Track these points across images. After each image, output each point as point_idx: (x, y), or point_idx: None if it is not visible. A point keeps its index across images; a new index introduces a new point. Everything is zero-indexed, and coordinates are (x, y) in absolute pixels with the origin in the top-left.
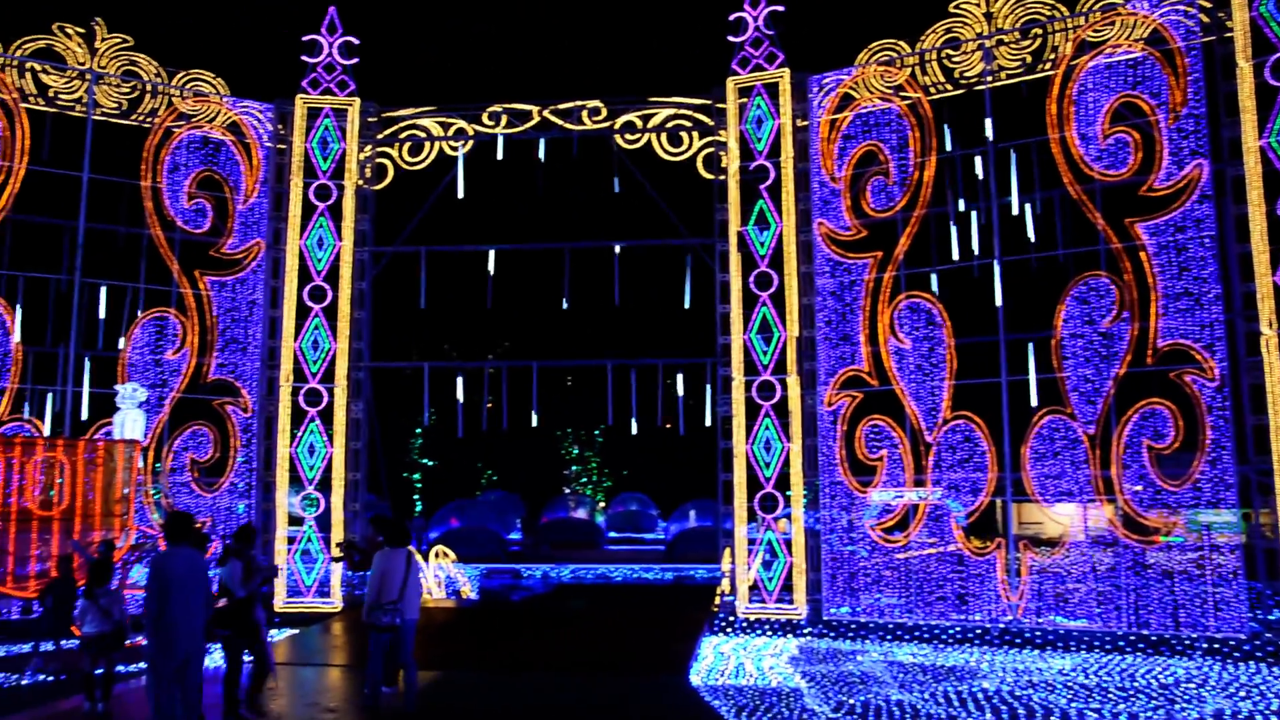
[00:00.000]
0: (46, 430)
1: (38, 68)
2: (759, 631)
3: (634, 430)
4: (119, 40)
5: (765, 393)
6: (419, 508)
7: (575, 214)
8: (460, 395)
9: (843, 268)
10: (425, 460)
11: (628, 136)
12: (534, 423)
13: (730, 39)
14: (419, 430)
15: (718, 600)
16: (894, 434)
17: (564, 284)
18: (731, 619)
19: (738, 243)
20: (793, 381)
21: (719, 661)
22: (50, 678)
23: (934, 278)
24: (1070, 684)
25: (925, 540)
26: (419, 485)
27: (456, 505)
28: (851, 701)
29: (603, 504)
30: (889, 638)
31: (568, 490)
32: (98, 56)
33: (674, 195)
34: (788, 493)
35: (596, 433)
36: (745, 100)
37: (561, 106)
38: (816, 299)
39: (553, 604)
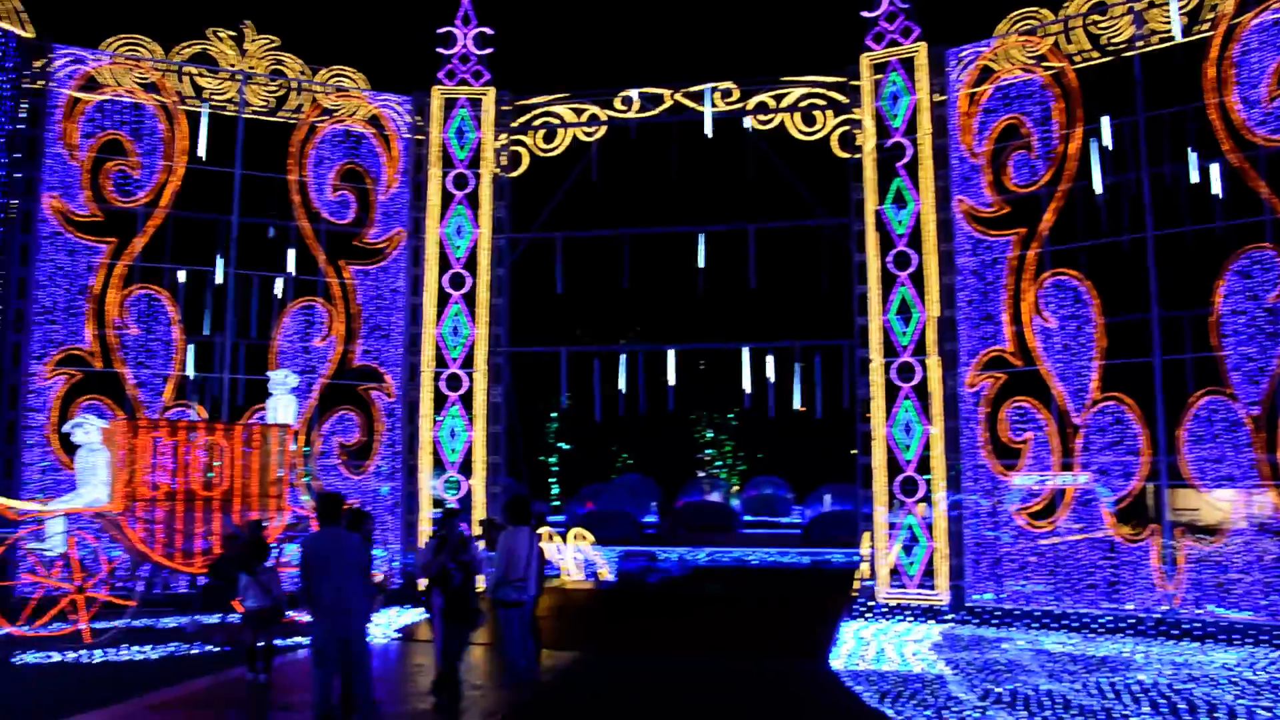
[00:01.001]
0: (206, 415)
1: (193, 71)
2: (900, 617)
3: (771, 414)
4: (266, 41)
5: (905, 374)
6: (555, 491)
7: (708, 197)
8: (597, 379)
9: (984, 245)
10: (561, 444)
11: (760, 117)
12: (670, 406)
13: (864, 14)
14: (554, 414)
15: (857, 585)
16: (1039, 416)
17: (698, 267)
18: (871, 604)
19: (875, 222)
20: (933, 363)
21: (859, 646)
22: (216, 648)
23: (1081, 254)
24: (1236, 679)
25: (1073, 526)
26: (555, 469)
27: (592, 489)
28: (999, 690)
29: (737, 488)
30: (1035, 625)
31: (702, 474)
32: (247, 58)
33: (808, 175)
34: (928, 476)
35: (730, 416)
36: (880, 76)
37: (693, 89)
38: (957, 278)
39: (689, 587)
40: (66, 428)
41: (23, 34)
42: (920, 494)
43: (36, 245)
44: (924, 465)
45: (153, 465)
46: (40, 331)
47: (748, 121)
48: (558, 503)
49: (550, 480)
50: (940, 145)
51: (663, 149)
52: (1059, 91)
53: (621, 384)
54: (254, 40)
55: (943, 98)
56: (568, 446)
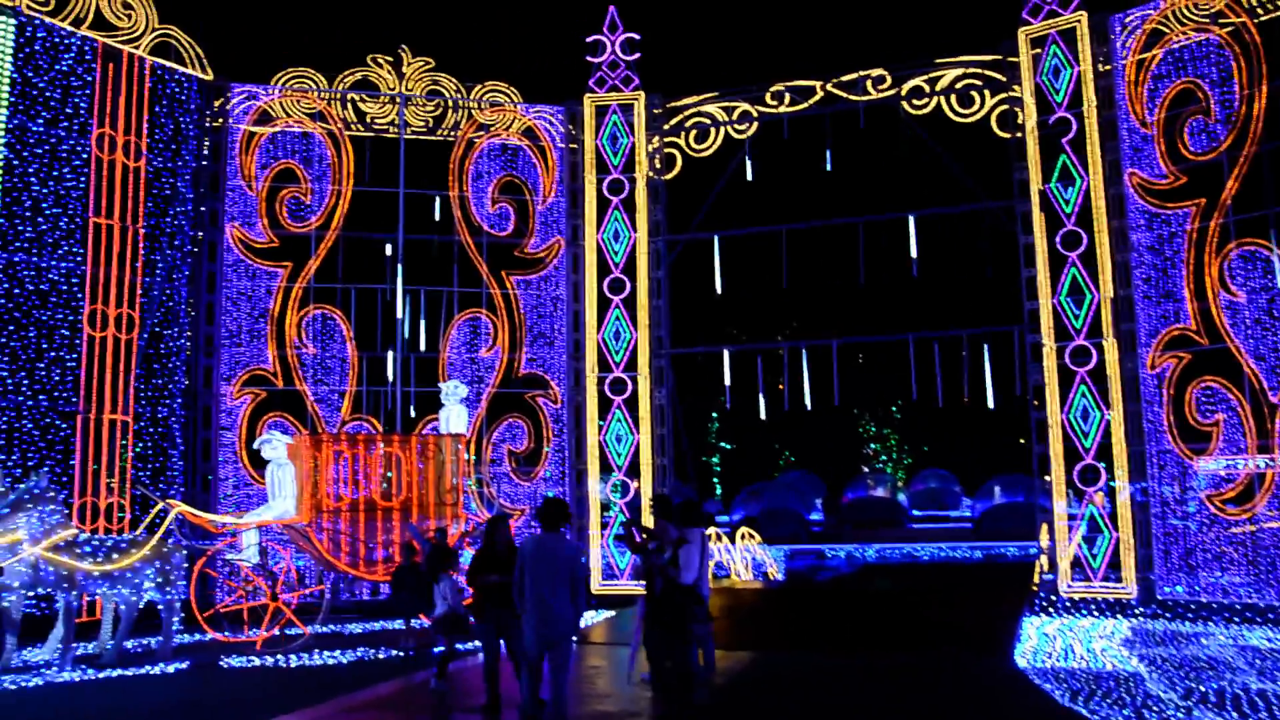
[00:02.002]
0: (381, 428)
1: (356, 98)
2: (1084, 611)
3: (940, 404)
4: (422, 63)
5: (1079, 358)
6: (718, 491)
7: (865, 186)
8: (761, 377)
9: (1160, 219)
10: (723, 443)
11: (915, 102)
12: (836, 401)
13: None
14: (715, 414)
15: (1036, 578)
16: (1230, 396)
17: (859, 259)
18: (1053, 598)
19: (1040, 202)
20: (1109, 345)
21: (1044, 643)
22: (403, 653)
23: (1271, 222)
24: None
25: (1272, 513)
26: (717, 468)
27: (756, 487)
28: (1202, 689)
29: (903, 481)
30: (1236, 620)
31: (866, 469)
32: (405, 81)
33: (968, 158)
34: (1109, 464)
35: (894, 409)
36: (1039, 51)
37: (845, 78)
38: (1132, 255)
39: (859, 584)
40: (255, 444)
41: (203, 77)
42: (1101, 482)
43: (221, 272)
44: (1103, 452)
45: (335, 478)
46: (227, 354)
47: (902, 107)
48: (721, 503)
49: (713, 480)
50: (1107, 118)
51: (816, 141)
52: (1238, 49)
53: (784, 381)
54: (410, 63)
55: (1108, 67)
56: (729, 446)
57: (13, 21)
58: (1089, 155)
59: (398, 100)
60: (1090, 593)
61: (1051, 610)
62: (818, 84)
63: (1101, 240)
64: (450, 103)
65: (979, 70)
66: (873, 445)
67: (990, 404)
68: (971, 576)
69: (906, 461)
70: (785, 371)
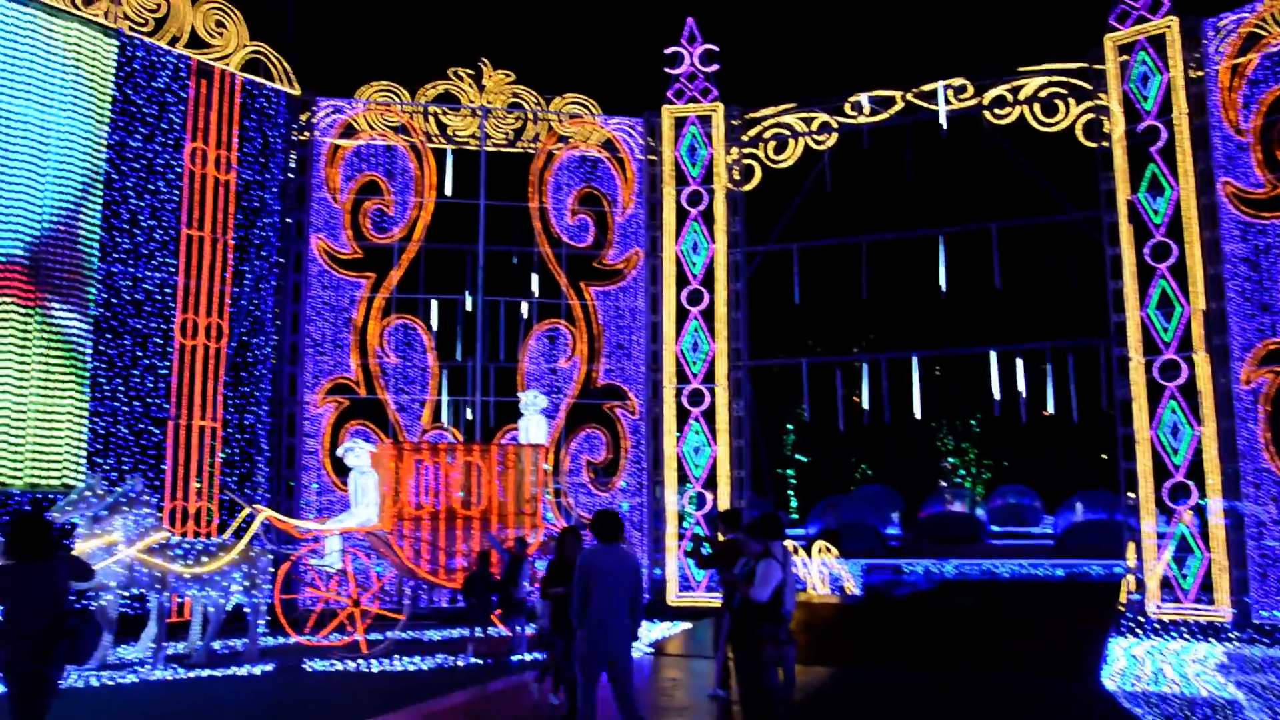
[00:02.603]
0: (461, 437)
1: (438, 111)
2: (1174, 634)
3: (1023, 419)
4: (503, 76)
5: (1169, 373)
6: (794, 503)
7: (947, 197)
8: (840, 390)
9: (1256, 230)
10: (799, 456)
11: (997, 111)
12: (917, 414)
13: None
14: (790, 426)
15: (1123, 598)
16: None
17: (939, 270)
18: (1140, 619)
19: (1128, 213)
20: (1201, 359)
21: (1133, 665)
22: (480, 661)
23: None
24: None
25: None
26: (793, 481)
27: (832, 500)
28: None
29: (982, 496)
30: None
31: (944, 483)
32: (486, 93)
33: (1052, 168)
34: (1199, 482)
35: (973, 422)
36: (1127, 58)
37: (925, 88)
38: (1225, 267)
39: (938, 600)
40: (339, 452)
41: (291, 92)
42: (1191, 500)
43: (306, 283)
44: (1194, 470)
45: (416, 486)
46: (311, 362)
47: (984, 117)
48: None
49: (789, 493)
50: (1199, 125)
51: (897, 152)
52: None
53: (863, 394)
54: (491, 76)
55: (1200, 73)
56: (805, 458)
57: (115, 42)
58: (1179, 164)
59: (479, 113)
60: (1181, 614)
61: (1140, 632)
62: (898, 94)
63: (1192, 251)
64: (530, 115)
65: (1063, 79)
66: (951, 459)
67: (1075, 419)
68: (1054, 595)
69: (985, 476)
70: (864, 384)
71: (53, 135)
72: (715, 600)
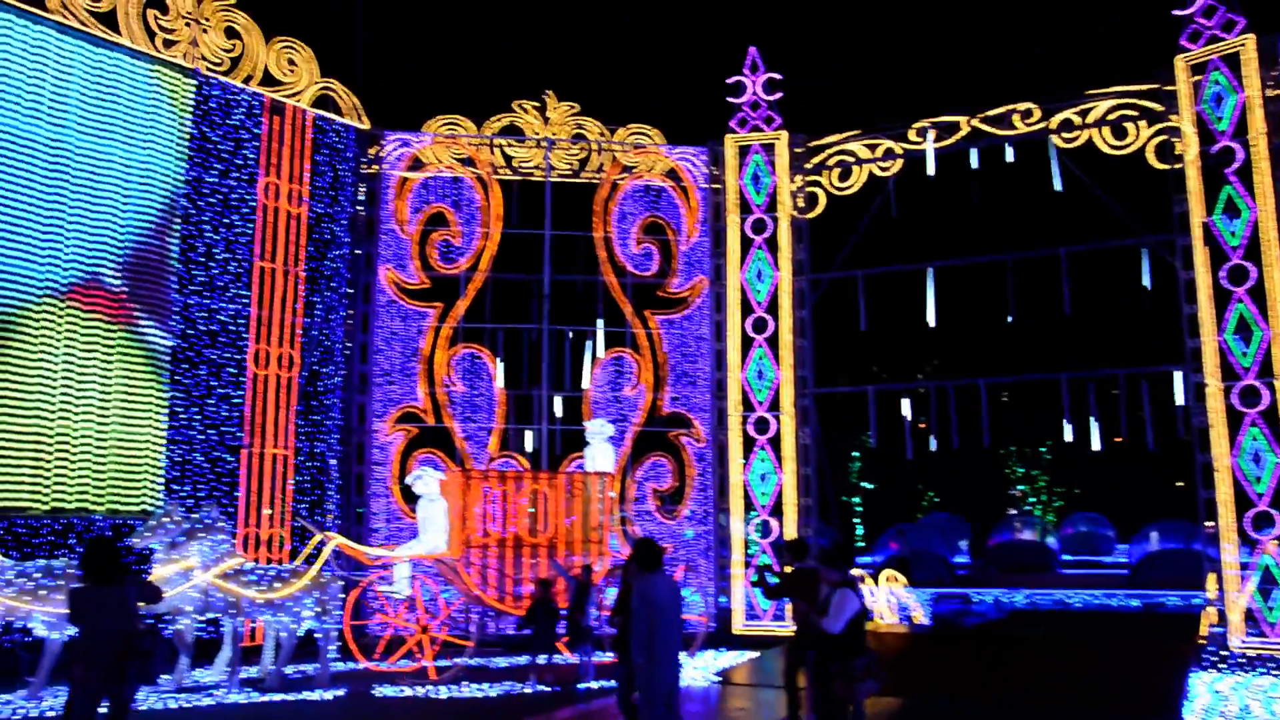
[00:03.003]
0: (527, 465)
1: (503, 142)
2: (1261, 669)
3: (1096, 446)
4: (567, 108)
5: (1249, 399)
6: (860, 531)
7: (1014, 222)
8: (907, 417)
9: None
10: (864, 483)
11: (1065, 135)
12: (985, 442)
13: (1176, 13)
14: (855, 454)
15: (1203, 631)
16: None
17: (1008, 296)
18: (1224, 654)
19: (1203, 235)
20: None
21: (1216, 702)
22: (547, 688)
23: None
24: None
25: None
26: (859, 509)
27: (898, 528)
28: None
29: (1053, 525)
30: None
31: (1014, 511)
32: (550, 125)
33: (1121, 191)
34: None
35: (1043, 449)
36: (1199, 78)
37: (991, 113)
38: None
39: (1008, 630)
40: (408, 480)
41: (360, 126)
42: (1276, 530)
43: (375, 313)
44: (1278, 498)
45: (483, 513)
46: (380, 391)
47: (1052, 141)
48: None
49: (855, 521)
50: (1277, 144)
51: (962, 177)
52: None
53: (931, 420)
54: (555, 108)
55: (1277, 92)
56: (871, 486)
57: (193, 82)
58: (1257, 185)
59: (544, 144)
60: (1267, 649)
61: (1222, 666)
62: (963, 119)
63: (1272, 274)
64: (594, 145)
65: (1133, 101)
66: (1020, 487)
67: (1150, 446)
68: (1129, 626)
69: (1056, 504)
70: (932, 411)
71: (135, 171)
72: (782, 629)
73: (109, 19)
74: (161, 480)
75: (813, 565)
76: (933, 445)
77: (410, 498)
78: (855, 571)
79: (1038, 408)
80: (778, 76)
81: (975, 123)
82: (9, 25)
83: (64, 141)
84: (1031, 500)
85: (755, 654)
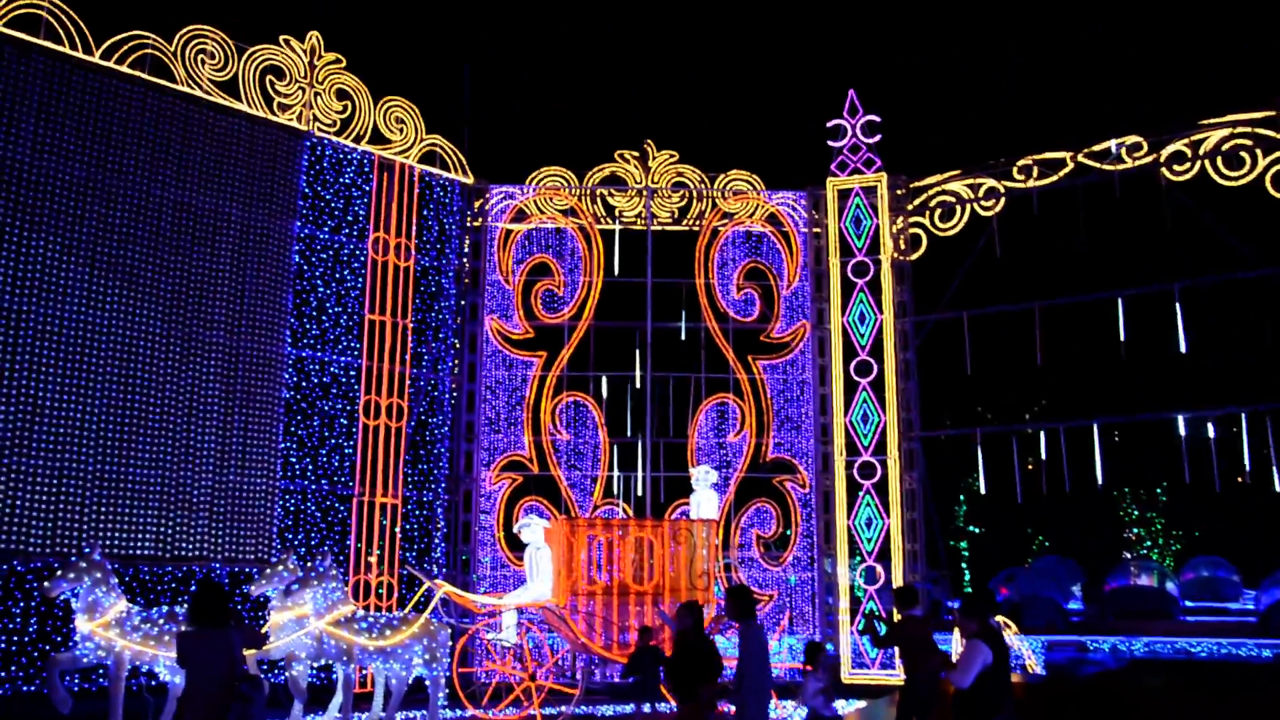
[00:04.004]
0: (631, 512)
1: (604, 193)
2: None
3: (1215, 487)
4: (666, 157)
5: None
6: (967, 576)
7: (1123, 258)
8: (1016, 459)
9: None
10: (971, 527)
11: (1175, 168)
12: (1100, 483)
13: None
14: (962, 498)
15: None
16: None
17: (1118, 334)
18: None
19: None
20: None
21: None
22: None
23: None
24: None
25: None
26: (965, 554)
27: (1007, 573)
28: None
29: (1172, 569)
30: None
31: (1128, 555)
32: (650, 174)
33: (1236, 222)
34: None
35: (1158, 490)
36: None
37: (1096, 148)
38: None
39: (1128, 680)
40: (515, 528)
41: (465, 180)
42: None
43: (481, 363)
44: None
45: (589, 561)
46: (486, 440)
47: (1161, 174)
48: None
49: (962, 565)
50: None
51: (1068, 214)
52: None
53: (1042, 462)
54: (655, 157)
55: None
56: (977, 530)
57: (306, 143)
58: None
59: (644, 193)
60: None
61: None
62: (1067, 155)
63: None
64: (694, 193)
65: (1248, 129)
66: (1135, 530)
67: (1278, 486)
68: (1258, 677)
69: (1174, 548)
70: (1043, 452)
71: (251, 231)
72: (891, 677)
73: (230, 87)
74: (276, 529)
75: (920, 613)
76: (1044, 487)
77: (515, 545)
78: (1000, 619)
79: (1152, 448)
80: (876, 119)
81: (1080, 158)
82: (141, 98)
83: (188, 203)
84: (1147, 544)
85: (863, 703)
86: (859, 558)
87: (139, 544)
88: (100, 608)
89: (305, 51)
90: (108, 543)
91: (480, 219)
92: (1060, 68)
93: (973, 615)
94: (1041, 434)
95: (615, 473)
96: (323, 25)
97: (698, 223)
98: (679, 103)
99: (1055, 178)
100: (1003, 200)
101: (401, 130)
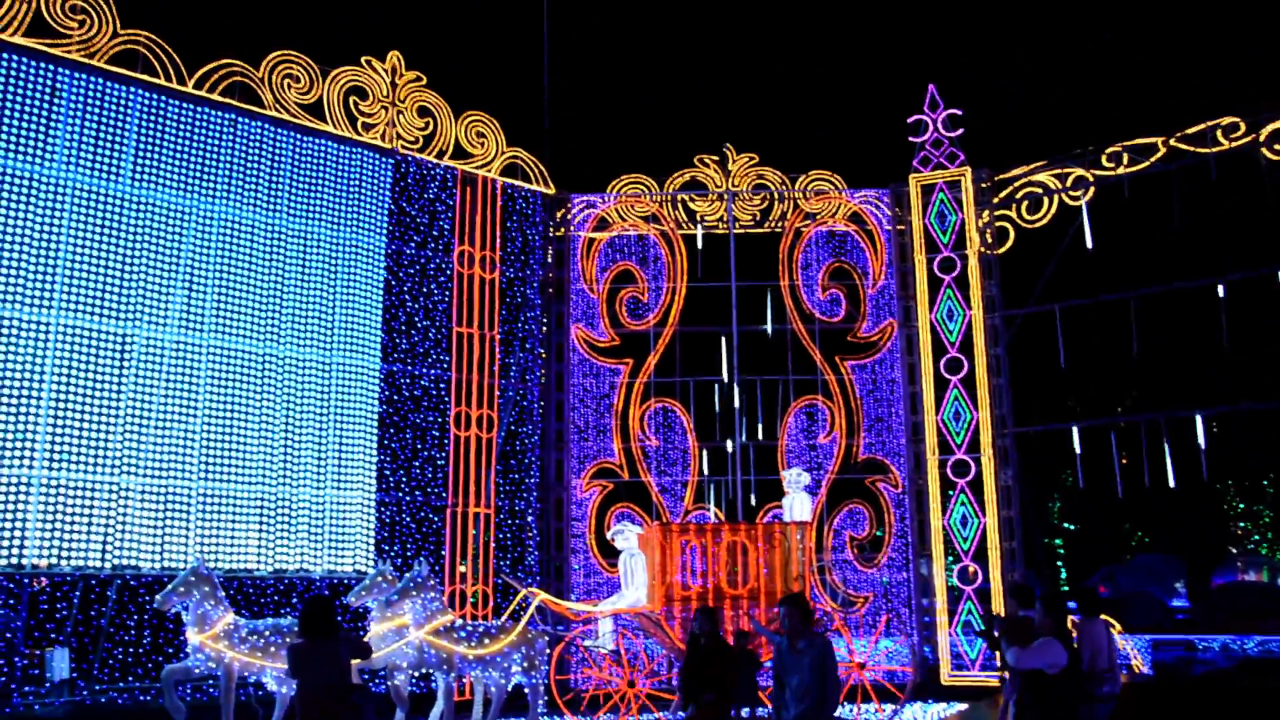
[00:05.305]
0: (722, 516)
1: (685, 198)
2: None
3: None
4: (746, 159)
5: None
6: (1064, 574)
7: (1221, 243)
8: (1115, 453)
9: None
10: (1066, 524)
11: (1276, 147)
12: (1204, 476)
13: None
14: (1056, 494)
15: None
16: None
17: (1219, 322)
18: None
19: None
20: None
21: None
22: None
23: None
24: None
25: None
26: (1061, 551)
27: (1105, 571)
28: None
29: None
30: None
31: (1235, 550)
32: (731, 177)
33: None
34: None
35: (1265, 483)
36: None
37: (1190, 131)
38: None
39: (1243, 681)
40: (609, 535)
41: (546, 191)
42: None
43: (568, 371)
44: None
45: (683, 567)
46: (576, 448)
47: (1262, 154)
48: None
49: (1058, 564)
50: None
51: (1162, 201)
52: None
53: (1143, 456)
54: (735, 160)
55: None
56: (1072, 527)
57: (392, 162)
58: None
59: (725, 197)
60: None
61: None
62: (1159, 140)
63: None
64: (775, 195)
65: None
66: (1242, 524)
67: None
68: None
69: None
70: (1142, 445)
71: (341, 250)
72: (991, 679)
73: (315, 109)
74: (373, 541)
75: (1031, 614)
76: (1146, 480)
77: (607, 552)
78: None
79: (1257, 439)
80: (958, 112)
81: (1173, 143)
82: (231, 124)
83: (277, 226)
84: (1255, 538)
85: (964, 705)
86: (954, 557)
87: (242, 558)
88: (209, 620)
89: (386, 71)
90: (213, 557)
91: (563, 229)
92: (1145, 51)
93: (1050, 612)
94: (1142, 427)
95: (706, 477)
96: (401, 43)
97: (779, 224)
98: (756, 104)
99: (1146, 163)
100: (1092, 189)
101: (482, 144)
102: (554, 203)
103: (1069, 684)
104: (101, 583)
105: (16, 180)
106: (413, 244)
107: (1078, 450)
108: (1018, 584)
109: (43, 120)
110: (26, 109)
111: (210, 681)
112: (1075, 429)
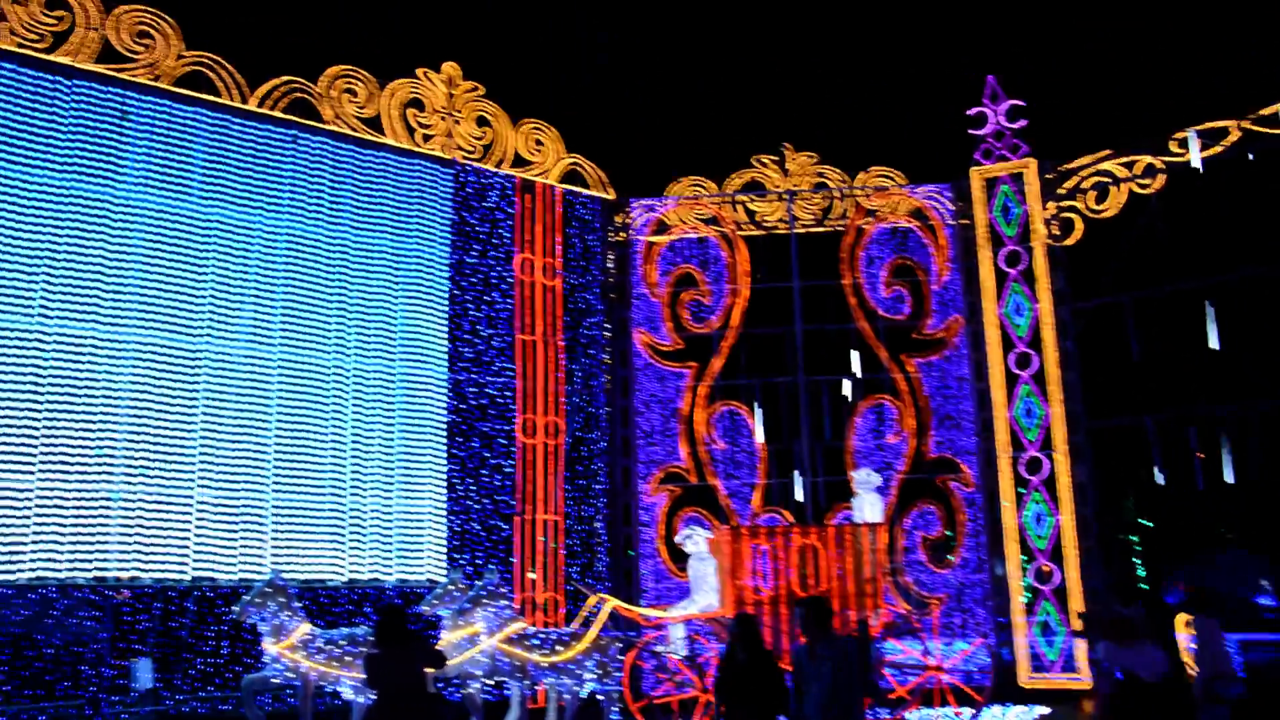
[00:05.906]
0: (791, 519)
1: (745, 199)
2: None
3: None
4: (806, 158)
5: None
6: (1141, 573)
7: None
8: (1194, 447)
9: None
10: (1142, 521)
11: None
12: None
13: None
14: (1130, 490)
15: None
16: None
17: None
18: None
19: None
20: None
21: None
22: None
23: None
24: None
25: None
26: (1138, 548)
27: (1186, 569)
28: None
29: None
30: None
31: None
32: (790, 177)
33: None
34: None
35: None
36: None
37: (1264, 113)
38: None
39: None
40: (677, 539)
41: (606, 196)
42: None
43: (633, 377)
44: None
45: (754, 570)
46: (643, 453)
47: None
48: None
49: (1135, 561)
50: None
51: (1237, 185)
52: None
53: (1225, 450)
54: (794, 159)
55: None
56: (1149, 524)
57: (451, 171)
58: None
59: (785, 197)
60: None
61: None
62: (1231, 124)
63: None
64: (836, 193)
65: None
66: None
67: None
68: None
69: None
70: (1223, 439)
71: (404, 261)
72: (1072, 682)
73: (374, 123)
74: (444, 549)
75: (1129, 613)
76: (1228, 476)
77: (677, 556)
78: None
79: None
80: (1020, 103)
81: (1246, 124)
82: (293, 140)
83: (341, 239)
84: None
85: (1045, 709)
86: (1029, 556)
87: (316, 569)
88: (286, 630)
89: (443, 82)
90: (287, 568)
91: (623, 233)
92: (1213, 28)
93: (1154, 615)
94: (1228, 419)
95: (774, 480)
96: (457, 53)
97: (841, 222)
98: (814, 101)
99: (1219, 147)
100: (1162, 177)
101: (540, 151)
102: (613, 207)
103: (1176, 694)
104: (180, 594)
105: (91, 203)
106: (474, 253)
107: (1156, 445)
108: (1117, 583)
109: (114, 143)
110: (99, 134)
111: (289, 690)
112: (1150, 423)
